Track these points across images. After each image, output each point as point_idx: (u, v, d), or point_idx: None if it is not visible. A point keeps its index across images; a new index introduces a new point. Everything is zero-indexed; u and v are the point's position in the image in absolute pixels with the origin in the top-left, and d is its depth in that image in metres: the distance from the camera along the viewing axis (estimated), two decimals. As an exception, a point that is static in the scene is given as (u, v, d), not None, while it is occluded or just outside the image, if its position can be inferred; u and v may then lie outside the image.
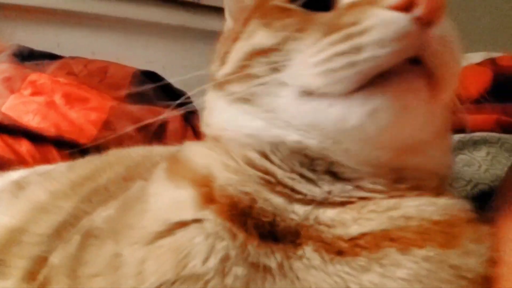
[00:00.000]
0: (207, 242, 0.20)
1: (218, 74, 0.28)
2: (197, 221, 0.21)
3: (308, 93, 0.22)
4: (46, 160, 0.67)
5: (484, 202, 0.30)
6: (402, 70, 0.20)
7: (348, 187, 0.22)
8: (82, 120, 0.75)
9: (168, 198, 0.22)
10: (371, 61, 0.19)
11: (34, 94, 0.77)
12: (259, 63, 0.24)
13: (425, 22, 0.19)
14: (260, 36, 0.25)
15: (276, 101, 0.23)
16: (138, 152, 0.45)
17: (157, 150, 0.47)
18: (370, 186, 0.22)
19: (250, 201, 0.21)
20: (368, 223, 0.21)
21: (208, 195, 0.22)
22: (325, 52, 0.20)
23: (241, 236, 0.20)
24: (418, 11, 0.19)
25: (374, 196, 0.22)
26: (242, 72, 0.25)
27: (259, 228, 0.21)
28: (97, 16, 1.18)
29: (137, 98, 0.92)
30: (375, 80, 0.20)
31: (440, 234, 0.20)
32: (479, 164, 0.42)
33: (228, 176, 0.23)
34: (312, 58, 0.21)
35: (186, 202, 0.21)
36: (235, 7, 0.31)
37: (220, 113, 0.27)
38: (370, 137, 0.21)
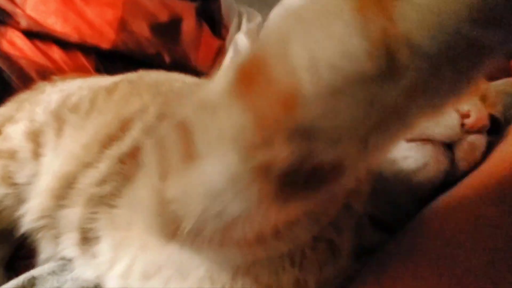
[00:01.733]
0: None
1: None
2: None
3: None
4: (77, 67, 0.77)
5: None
6: (438, 144, 0.30)
7: None
8: (99, 20, 0.80)
9: None
10: (428, 128, 0.30)
11: (49, -11, 0.80)
12: None
13: (467, 130, 0.30)
14: None
15: None
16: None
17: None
18: None
19: None
20: None
21: None
22: None
23: None
24: (468, 121, 0.30)
25: None
26: None
27: None
28: None
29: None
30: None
31: None
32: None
33: None
34: None
35: None
36: None
37: None
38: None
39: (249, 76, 0.18)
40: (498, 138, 0.34)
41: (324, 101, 0.16)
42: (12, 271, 0.57)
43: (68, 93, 0.59)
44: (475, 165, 0.31)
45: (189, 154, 0.20)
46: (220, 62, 0.91)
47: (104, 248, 0.37)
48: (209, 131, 0.19)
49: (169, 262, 0.30)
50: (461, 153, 0.30)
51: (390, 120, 0.17)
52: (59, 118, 0.51)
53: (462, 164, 0.30)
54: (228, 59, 0.90)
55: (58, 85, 0.66)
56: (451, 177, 0.31)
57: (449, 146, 0.30)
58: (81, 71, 0.77)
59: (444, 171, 0.30)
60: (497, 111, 0.35)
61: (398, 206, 0.32)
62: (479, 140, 0.31)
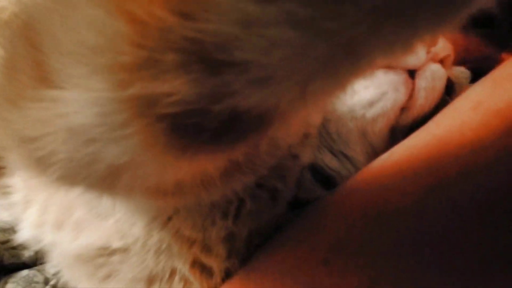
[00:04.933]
0: None
1: None
2: None
3: None
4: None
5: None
6: (400, 71, 0.29)
7: None
8: None
9: None
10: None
11: None
12: None
13: (432, 57, 0.29)
14: None
15: None
16: None
17: None
18: None
19: None
20: None
21: None
22: None
23: None
24: (433, 48, 0.29)
25: None
26: None
27: None
28: None
29: None
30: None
31: None
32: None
33: None
34: None
35: None
36: None
37: None
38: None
39: None
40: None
41: (240, 13, 0.11)
42: None
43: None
44: (429, 107, 0.30)
45: (42, 73, 0.14)
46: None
47: (17, 184, 0.33)
48: (63, 40, 0.13)
49: (80, 202, 0.27)
50: (423, 82, 0.28)
51: (341, 58, 0.12)
52: None
53: (420, 96, 0.28)
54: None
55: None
56: (404, 122, 0.29)
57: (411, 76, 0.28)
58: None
59: (400, 106, 0.28)
60: (452, 75, 0.34)
61: (347, 158, 0.30)
62: (441, 72, 0.30)
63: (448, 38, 0.40)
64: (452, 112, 0.27)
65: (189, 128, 0.13)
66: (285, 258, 0.24)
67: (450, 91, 0.33)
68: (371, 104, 0.28)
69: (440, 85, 0.30)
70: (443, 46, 0.29)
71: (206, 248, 0.25)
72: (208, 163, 0.17)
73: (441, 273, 0.21)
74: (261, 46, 0.11)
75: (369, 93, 0.27)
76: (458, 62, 0.45)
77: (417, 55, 0.28)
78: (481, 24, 0.50)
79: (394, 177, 0.25)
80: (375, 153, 0.30)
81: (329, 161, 0.30)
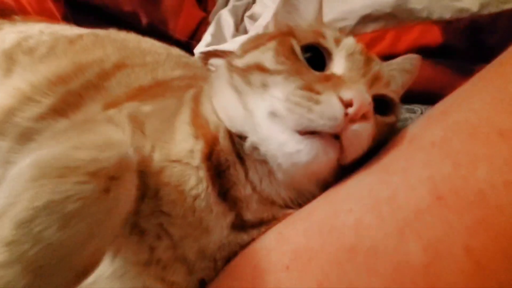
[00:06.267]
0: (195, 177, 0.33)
1: (234, 60, 0.39)
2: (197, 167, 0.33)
3: (273, 115, 0.33)
4: (43, 10, 0.72)
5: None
6: (326, 136, 0.31)
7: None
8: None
9: (188, 144, 0.34)
10: (313, 122, 0.31)
11: None
12: (256, 75, 0.35)
13: (350, 119, 0.31)
14: (268, 58, 0.36)
15: (255, 107, 0.34)
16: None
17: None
18: None
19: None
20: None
21: (207, 154, 0.34)
22: (295, 97, 0.32)
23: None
24: (351, 110, 0.30)
25: None
26: (244, 73, 0.36)
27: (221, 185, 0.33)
28: None
29: None
30: (309, 132, 0.31)
31: None
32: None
33: (224, 142, 0.35)
34: (286, 94, 0.32)
35: (196, 153, 0.34)
36: (278, 22, 0.42)
37: (220, 87, 0.38)
38: (294, 162, 0.32)
39: None
40: (394, 118, 0.36)
41: None
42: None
43: (26, 35, 0.56)
44: (365, 151, 0.33)
45: None
46: (201, 35, 0.88)
47: None
48: None
49: None
50: (347, 142, 0.31)
51: None
52: (10, 58, 0.49)
53: (349, 152, 0.32)
54: (209, 34, 0.88)
55: (18, 25, 0.62)
56: (343, 162, 0.32)
57: (336, 136, 0.31)
58: (46, 16, 0.72)
59: (335, 159, 0.31)
60: (391, 91, 0.36)
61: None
62: (364, 127, 0.31)
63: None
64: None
65: None
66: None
67: (392, 110, 0.36)
68: (308, 165, 0.32)
69: (366, 136, 0.32)
70: (361, 103, 0.30)
71: None
72: None
73: None
74: None
75: (304, 156, 0.31)
76: (423, 92, 0.48)
77: (337, 120, 0.30)
78: (447, 55, 0.55)
79: None
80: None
81: None
